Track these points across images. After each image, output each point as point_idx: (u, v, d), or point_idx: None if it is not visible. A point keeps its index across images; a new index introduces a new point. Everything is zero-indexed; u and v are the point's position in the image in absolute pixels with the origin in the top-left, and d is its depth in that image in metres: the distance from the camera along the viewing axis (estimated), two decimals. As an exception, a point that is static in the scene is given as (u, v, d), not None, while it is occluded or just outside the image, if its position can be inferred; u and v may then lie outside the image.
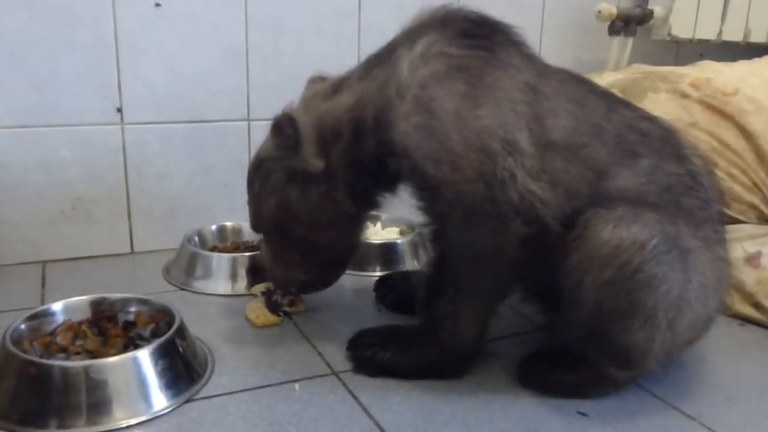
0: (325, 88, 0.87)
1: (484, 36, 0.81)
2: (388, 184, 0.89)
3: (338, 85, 0.85)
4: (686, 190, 0.79)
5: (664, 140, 0.83)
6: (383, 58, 0.83)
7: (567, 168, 0.77)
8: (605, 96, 0.85)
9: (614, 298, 0.73)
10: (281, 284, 0.98)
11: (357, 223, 0.93)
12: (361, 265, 1.20)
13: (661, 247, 0.72)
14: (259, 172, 0.88)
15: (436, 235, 0.88)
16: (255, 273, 1.02)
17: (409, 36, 0.82)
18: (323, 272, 0.95)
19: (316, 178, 0.84)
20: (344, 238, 0.92)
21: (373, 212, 0.98)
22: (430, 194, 0.81)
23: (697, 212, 0.78)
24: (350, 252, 0.96)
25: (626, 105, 0.86)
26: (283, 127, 0.81)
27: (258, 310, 0.99)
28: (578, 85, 0.84)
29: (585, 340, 0.78)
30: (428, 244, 1.00)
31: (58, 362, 0.74)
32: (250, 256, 1.11)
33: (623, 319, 0.74)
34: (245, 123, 1.30)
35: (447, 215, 0.80)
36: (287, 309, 1.01)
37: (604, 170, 0.77)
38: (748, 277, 1.09)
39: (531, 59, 0.83)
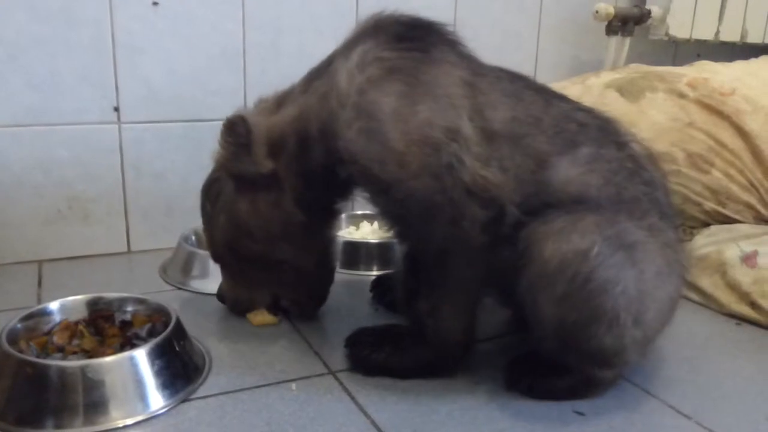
0: (269, 104, 0.89)
1: (418, 38, 0.82)
2: (341, 191, 0.90)
3: (281, 100, 0.87)
4: (629, 175, 0.80)
5: (602, 129, 0.83)
6: (322, 71, 0.84)
7: (512, 155, 0.77)
8: (542, 91, 0.85)
9: (573, 310, 0.73)
10: (237, 310, 0.99)
11: (313, 233, 0.91)
12: (358, 265, 1.20)
13: (605, 250, 0.72)
14: (210, 192, 0.91)
15: (399, 236, 0.87)
16: (221, 300, 1.01)
17: (346, 46, 0.83)
18: (298, 289, 0.96)
19: (265, 185, 0.86)
20: (301, 249, 0.91)
21: (334, 221, 0.98)
22: (382, 196, 0.82)
23: (642, 198, 0.79)
24: (317, 264, 0.95)
25: (562, 98, 0.86)
26: (235, 126, 0.83)
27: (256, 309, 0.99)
28: (514, 81, 0.84)
29: (558, 350, 0.78)
30: (396, 245, 0.99)
31: (54, 362, 0.74)
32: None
33: (588, 328, 0.74)
34: (242, 122, 1.30)
35: (402, 215, 0.81)
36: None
37: (545, 159, 0.78)
38: (744, 276, 1.09)
39: (466, 57, 0.84)
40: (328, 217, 0.94)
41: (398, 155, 0.76)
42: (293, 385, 0.82)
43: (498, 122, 0.78)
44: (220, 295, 1.00)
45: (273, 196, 0.86)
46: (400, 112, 0.77)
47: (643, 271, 0.75)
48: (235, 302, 0.98)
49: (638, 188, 0.80)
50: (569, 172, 0.78)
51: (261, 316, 0.98)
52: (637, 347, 0.79)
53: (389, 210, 0.84)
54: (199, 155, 1.28)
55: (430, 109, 0.77)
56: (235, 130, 0.83)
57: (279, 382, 0.82)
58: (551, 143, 0.79)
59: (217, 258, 0.96)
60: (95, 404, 0.72)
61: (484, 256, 0.79)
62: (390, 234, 0.88)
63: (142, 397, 0.75)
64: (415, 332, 0.85)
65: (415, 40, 0.81)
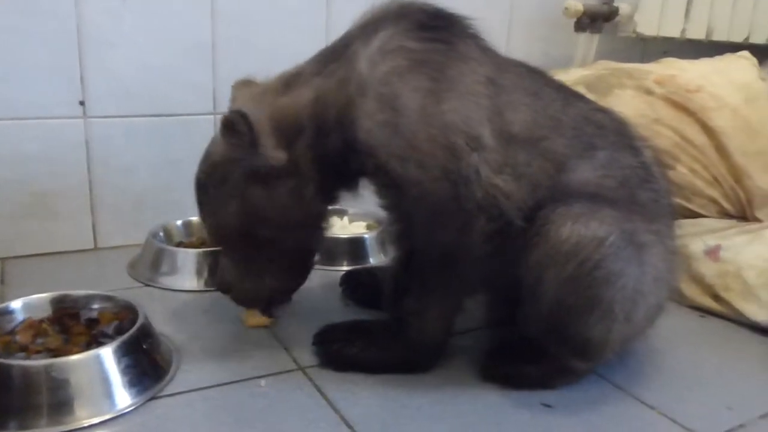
0: (273, 84, 0.83)
1: (442, 28, 0.80)
2: (349, 181, 0.87)
3: (289, 81, 0.82)
4: (641, 182, 0.81)
5: (618, 132, 0.84)
6: (338, 53, 0.81)
7: (528, 161, 0.77)
8: (560, 89, 0.85)
9: (574, 293, 0.74)
10: (247, 303, 0.93)
11: (322, 220, 0.90)
12: (329, 260, 1.20)
13: (619, 243, 0.74)
14: (212, 178, 0.83)
15: (401, 234, 0.87)
16: (226, 290, 0.93)
17: (364, 30, 0.80)
18: (289, 276, 0.92)
19: (282, 173, 0.80)
20: (312, 236, 0.89)
21: (336, 207, 0.95)
22: (394, 193, 0.80)
23: (650, 205, 0.80)
24: (315, 252, 0.93)
25: (580, 98, 0.87)
26: (236, 124, 0.77)
27: (251, 310, 0.97)
28: (535, 78, 0.84)
29: (545, 333, 0.79)
30: (392, 242, 0.97)
31: (17, 361, 0.73)
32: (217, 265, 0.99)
33: (582, 314, 0.75)
34: (212, 117, 1.29)
35: (411, 214, 0.79)
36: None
37: (563, 162, 0.78)
38: (708, 269, 1.11)
39: (488, 52, 0.83)
40: (332, 205, 0.90)
41: (421, 155, 0.75)
42: (262, 382, 0.82)
43: (518, 125, 0.78)
44: (224, 285, 0.91)
45: (291, 183, 0.81)
46: (426, 110, 0.75)
47: (645, 273, 0.76)
48: (241, 293, 0.90)
49: (648, 194, 0.81)
50: (586, 175, 0.78)
51: (255, 318, 0.96)
52: (619, 344, 0.80)
53: (399, 208, 0.83)
54: (168, 150, 1.27)
55: (456, 111, 0.75)
56: (237, 129, 0.77)
57: (248, 379, 0.82)
58: (570, 146, 0.79)
59: (218, 242, 0.90)
60: (60, 404, 0.71)
61: (482, 264, 0.79)
62: (389, 230, 0.87)
63: (109, 395, 0.74)
64: (393, 329, 0.85)
65: (438, 30, 0.79)
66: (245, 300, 0.92)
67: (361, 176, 0.85)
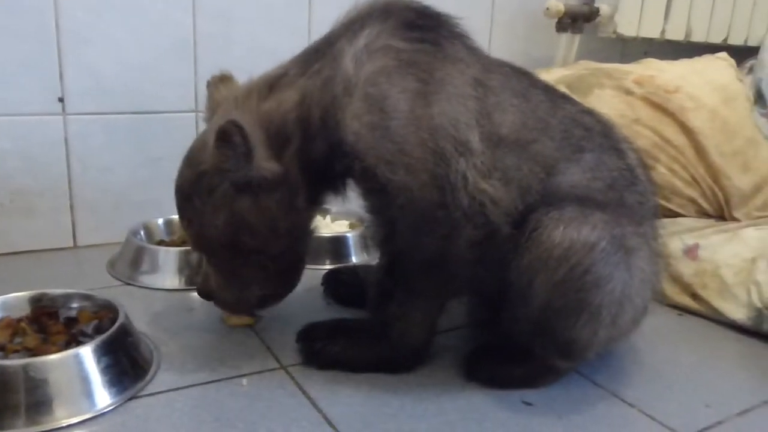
0: (256, 87, 0.80)
1: (429, 28, 0.79)
2: (335, 184, 0.85)
3: (274, 83, 0.79)
4: (627, 185, 0.81)
5: (604, 134, 0.84)
6: (323, 52, 0.79)
7: (518, 164, 0.77)
8: (547, 90, 0.85)
9: (563, 297, 0.75)
10: (233, 309, 0.92)
11: (310, 225, 0.89)
12: (311, 259, 1.19)
13: (609, 248, 0.74)
14: (198, 188, 0.79)
15: (385, 238, 0.85)
16: (207, 297, 0.91)
17: (349, 27, 0.79)
18: (279, 283, 0.90)
19: (272, 184, 0.77)
20: (300, 243, 0.87)
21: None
22: (381, 197, 0.78)
23: (637, 208, 0.81)
24: (303, 257, 0.91)
25: (567, 99, 0.87)
26: (232, 136, 0.73)
27: None
28: (521, 79, 0.84)
29: (532, 334, 0.79)
30: (376, 246, 0.96)
31: (-6, 361, 0.72)
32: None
33: (570, 317, 0.76)
34: (193, 115, 1.28)
35: (397, 219, 0.78)
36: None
37: (553, 165, 0.78)
38: (686, 268, 1.13)
39: (475, 52, 0.82)
40: (318, 209, 0.89)
41: (411, 160, 0.74)
42: (244, 381, 0.81)
43: (506, 127, 0.77)
44: (205, 292, 0.90)
45: (281, 193, 0.78)
46: (415, 113, 0.74)
47: (633, 276, 0.77)
48: (224, 301, 0.89)
49: (634, 197, 0.81)
50: (576, 177, 0.78)
51: (237, 318, 0.95)
52: (602, 346, 0.81)
53: (384, 212, 0.81)
54: (147, 148, 1.26)
55: (444, 114, 0.75)
56: (232, 140, 0.73)
57: (229, 378, 0.82)
58: (559, 149, 0.79)
59: (202, 251, 0.88)
60: (38, 404, 0.70)
61: (466, 271, 0.79)
62: (372, 233, 0.86)
63: (88, 395, 0.73)
64: (376, 329, 0.85)
65: (425, 30, 0.79)
66: (229, 307, 0.91)
67: (347, 178, 0.84)
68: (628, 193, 0.81)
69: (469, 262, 0.78)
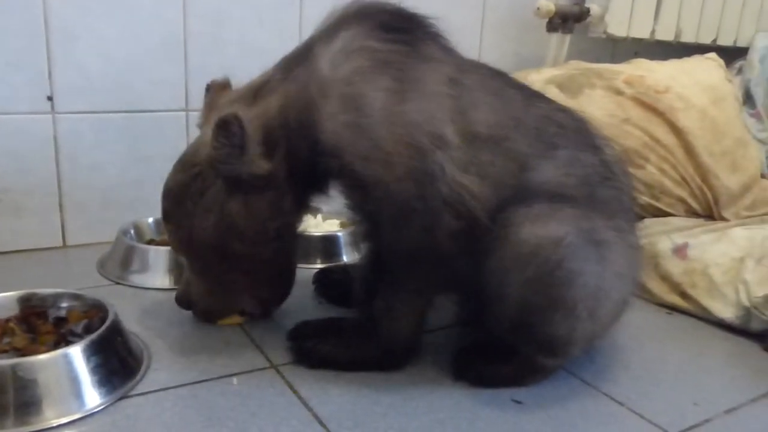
0: (244, 94, 0.83)
1: (404, 29, 0.80)
2: (319, 184, 0.86)
3: (258, 90, 0.81)
4: (602, 180, 0.82)
5: (579, 131, 0.85)
6: (303, 57, 0.80)
7: (492, 160, 0.78)
8: (522, 89, 0.86)
9: (536, 294, 0.75)
10: (219, 317, 0.93)
11: (297, 228, 0.90)
12: (302, 258, 1.20)
13: (578, 242, 0.75)
14: (190, 190, 0.81)
15: (368, 234, 0.86)
16: (186, 306, 0.93)
17: (327, 31, 0.80)
18: (268, 291, 0.92)
19: (261, 185, 0.79)
20: (287, 247, 0.88)
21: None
22: (359, 193, 0.80)
23: (611, 202, 0.81)
24: (293, 261, 0.92)
25: (541, 97, 0.88)
26: (230, 125, 0.75)
27: None
28: (496, 78, 0.85)
29: (511, 333, 0.80)
30: (360, 242, 0.97)
31: (-17, 361, 0.72)
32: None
33: (546, 313, 0.76)
34: (183, 113, 1.28)
35: (377, 214, 0.79)
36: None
37: (525, 162, 0.79)
38: (675, 267, 1.13)
39: (451, 52, 0.84)
40: (306, 212, 0.91)
41: (385, 155, 0.75)
42: (234, 380, 0.81)
43: (480, 124, 0.78)
44: (184, 301, 0.91)
45: (269, 196, 0.80)
46: (389, 110, 0.75)
47: (606, 269, 0.77)
48: (206, 310, 0.92)
49: (609, 192, 0.82)
50: (549, 174, 0.79)
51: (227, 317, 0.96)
52: (585, 340, 0.81)
53: (364, 208, 0.82)
54: (137, 147, 1.26)
55: (419, 110, 0.76)
56: (230, 130, 0.76)
57: (220, 377, 0.81)
58: (532, 146, 0.79)
59: (187, 254, 0.88)
60: (27, 404, 0.70)
61: (449, 263, 0.79)
62: (357, 230, 0.87)
63: (78, 395, 0.73)
64: (364, 327, 0.85)
65: (401, 31, 0.79)
66: (210, 315, 0.92)
67: (329, 178, 0.85)
68: (602, 188, 0.81)
69: (450, 254, 0.78)
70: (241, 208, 0.80)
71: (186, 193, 0.82)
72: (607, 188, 0.82)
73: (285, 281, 0.94)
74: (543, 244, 0.74)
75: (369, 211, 0.81)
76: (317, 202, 0.90)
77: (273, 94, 0.80)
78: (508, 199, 0.77)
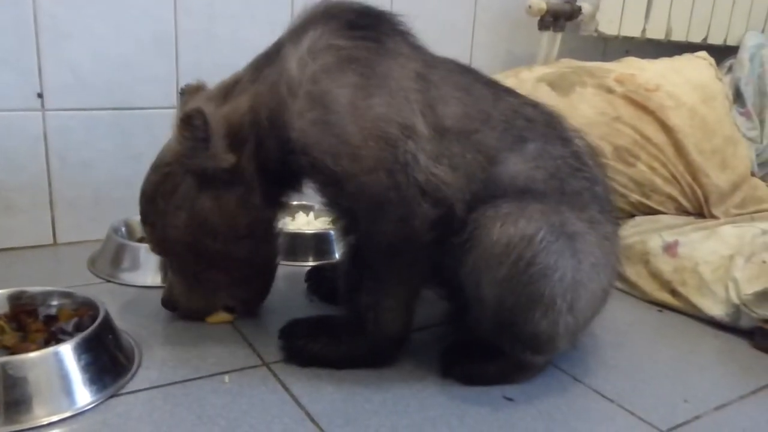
0: (213, 94, 0.84)
1: (370, 26, 0.81)
2: (292, 182, 0.88)
3: (228, 90, 0.83)
4: (572, 171, 0.82)
5: (549, 124, 0.85)
6: (272, 58, 0.82)
7: (463, 153, 0.78)
8: (491, 85, 0.87)
9: (513, 293, 0.75)
10: (202, 315, 0.94)
11: (271, 227, 0.90)
12: (294, 255, 1.20)
13: (549, 237, 0.75)
14: (162, 188, 0.84)
15: (346, 229, 0.87)
16: (171, 308, 0.94)
17: (295, 32, 0.81)
18: (246, 290, 0.93)
19: (229, 181, 0.81)
20: (261, 245, 0.89)
21: (302, 203, 0.96)
22: (332, 189, 0.81)
23: (583, 193, 0.81)
24: (272, 259, 0.93)
25: (511, 92, 0.88)
26: (193, 119, 0.78)
27: None
28: (464, 74, 0.85)
29: (494, 333, 0.80)
30: (339, 238, 0.98)
31: (-28, 359, 0.71)
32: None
33: (525, 311, 0.76)
34: (174, 111, 1.27)
35: (353, 209, 0.80)
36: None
37: (494, 155, 0.79)
38: (665, 265, 1.14)
39: (418, 49, 0.84)
40: (280, 210, 0.92)
41: (353, 149, 0.75)
42: (226, 378, 0.81)
43: (449, 118, 0.79)
44: (170, 302, 0.93)
45: (239, 192, 0.82)
46: (355, 105, 0.76)
47: (581, 261, 0.77)
48: (189, 309, 0.93)
49: (580, 183, 0.82)
50: (517, 167, 0.79)
51: (216, 315, 0.95)
52: (569, 334, 0.81)
53: (338, 203, 0.83)
54: (128, 144, 1.25)
55: (386, 104, 0.76)
56: (193, 124, 0.78)
57: (212, 375, 0.81)
58: (500, 139, 0.80)
59: (164, 254, 0.91)
60: (17, 402, 0.69)
61: (429, 253, 0.79)
62: (335, 226, 0.87)
63: (68, 393, 0.73)
64: (353, 324, 0.85)
65: (367, 29, 0.80)
66: (194, 314, 0.93)
67: (302, 176, 0.86)
68: (573, 180, 0.81)
69: (429, 244, 0.78)
70: (210, 204, 0.82)
71: (158, 192, 0.84)
72: (577, 179, 0.82)
73: (263, 281, 0.95)
74: (514, 243, 0.74)
75: (344, 206, 0.82)
76: (291, 198, 0.92)
77: (243, 93, 0.82)
78: (479, 192, 0.78)
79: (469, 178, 0.78)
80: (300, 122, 0.76)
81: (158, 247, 0.89)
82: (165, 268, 1.03)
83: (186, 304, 0.93)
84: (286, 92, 0.77)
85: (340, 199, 0.82)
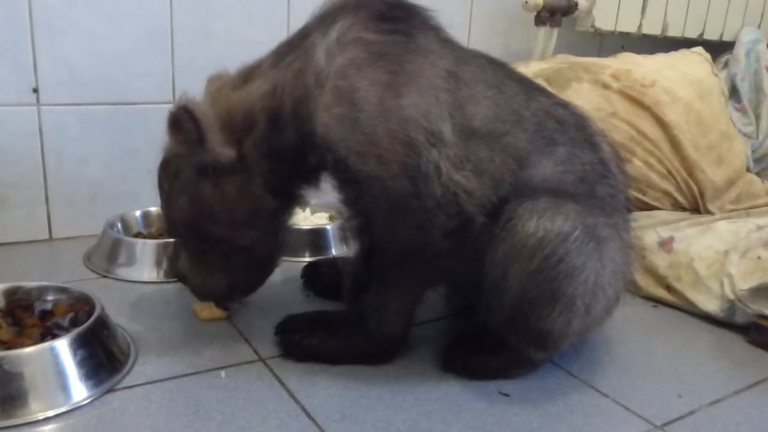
0: (233, 79, 0.82)
1: (401, 19, 0.79)
2: (309, 176, 0.86)
3: (248, 74, 0.81)
4: (599, 178, 0.82)
5: (578, 127, 0.85)
6: (296, 45, 0.80)
7: (491, 156, 0.77)
8: (522, 82, 0.85)
9: (537, 287, 0.75)
10: (201, 295, 0.92)
11: (278, 219, 0.88)
12: (291, 251, 1.20)
13: (582, 238, 0.75)
14: (167, 171, 0.83)
15: (361, 229, 0.86)
16: (182, 279, 0.93)
17: (323, 20, 0.79)
18: (246, 276, 0.91)
19: (230, 169, 0.79)
20: (266, 236, 0.86)
21: (296, 207, 0.93)
22: (354, 188, 0.79)
23: (608, 200, 0.81)
24: (274, 253, 0.91)
25: (542, 91, 0.87)
26: (181, 121, 0.76)
27: (204, 303, 0.96)
28: (496, 70, 0.84)
29: (507, 325, 0.80)
30: (352, 237, 0.97)
31: (-32, 354, 0.71)
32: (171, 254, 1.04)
33: (544, 307, 0.76)
34: (170, 106, 1.26)
35: (371, 210, 0.79)
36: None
37: (525, 158, 0.78)
38: (661, 260, 1.14)
39: (449, 44, 0.82)
40: (292, 203, 0.89)
41: (381, 151, 0.74)
42: (222, 373, 0.81)
43: (479, 119, 0.78)
44: (182, 275, 0.92)
45: (240, 179, 0.80)
46: (385, 105, 0.74)
47: (605, 266, 0.77)
48: (197, 286, 0.91)
49: (606, 190, 0.82)
50: (548, 170, 0.79)
51: (209, 311, 0.95)
52: (577, 335, 0.82)
53: (359, 203, 0.82)
54: (124, 139, 1.25)
55: (415, 105, 0.75)
56: (181, 126, 0.76)
57: (208, 370, 0.81)
58: (532, 141, 0.79)
59: (172, 234, 0.91)
60: (13, 397, 0.69)
61: (442, 261, 0.79)
62: (348, 224, 0.86)
63: (64, 388, 0.73)
64: (353, 321, 0.85)
65: (397, 21, 0.79)
66: (201, 292, 0.92)
67: (322, 171, 0.84)
68: (600, 186, 0.81)
69: (444, 251, 0.78)
70: (210, 189, 0.81)
71: (164, 175, 0.85)
72: (604, 186, 0.82)
73: (261, 273, 0.93)
74: (549, 238, 0.74)
75: (363, 206, 0.81)
76: (305, 194, 0.89)
77: (261, 78, 0.80)
78: (508, 195, 0.77)
79: (496, 182, 0.77)
80: (326, 116, 0.75)
81: (167, 225, 0.89)
82: (170, 257, 1.05)
83: (193, 281, 0.90)
84: (312, 83, 0.76)
85: (360, 200, 0.81)
